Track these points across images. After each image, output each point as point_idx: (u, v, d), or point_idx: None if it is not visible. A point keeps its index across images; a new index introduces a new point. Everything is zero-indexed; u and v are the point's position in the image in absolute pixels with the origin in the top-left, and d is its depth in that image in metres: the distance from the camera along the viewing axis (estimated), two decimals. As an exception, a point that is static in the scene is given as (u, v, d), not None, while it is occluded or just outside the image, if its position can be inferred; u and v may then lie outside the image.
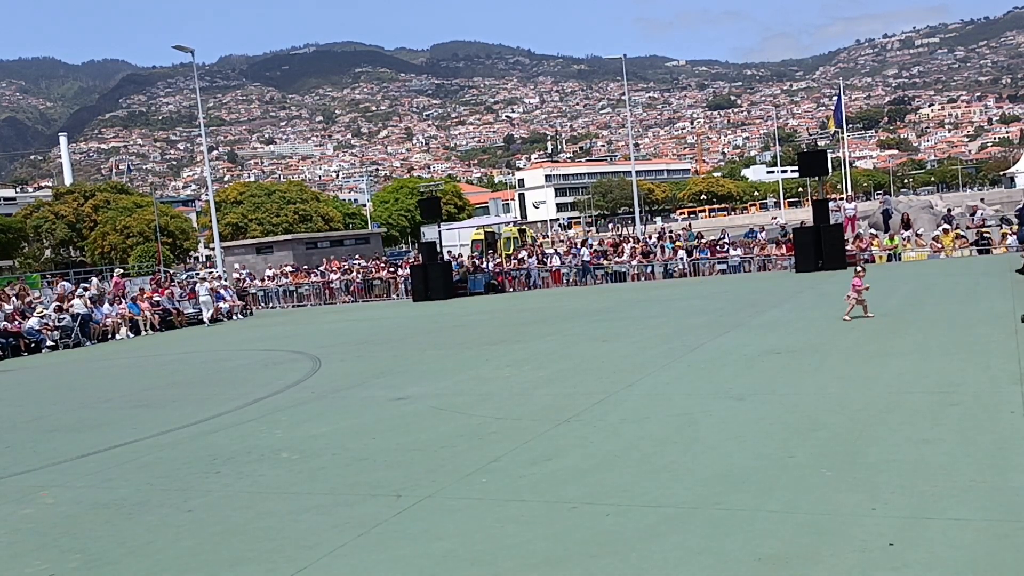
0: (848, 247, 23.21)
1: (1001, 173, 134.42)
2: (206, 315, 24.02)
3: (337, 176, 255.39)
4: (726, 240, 27.52)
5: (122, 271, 28.47)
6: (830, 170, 43.15)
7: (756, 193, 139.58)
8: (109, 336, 21.97)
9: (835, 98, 53.49)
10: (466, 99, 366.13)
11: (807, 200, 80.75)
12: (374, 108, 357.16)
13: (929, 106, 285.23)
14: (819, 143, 41.95)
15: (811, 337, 10.52)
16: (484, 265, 28.98)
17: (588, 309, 17.71)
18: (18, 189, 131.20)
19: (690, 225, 37.69)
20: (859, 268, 12.21)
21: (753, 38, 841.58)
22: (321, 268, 32.40)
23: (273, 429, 7.91)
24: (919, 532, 4.03)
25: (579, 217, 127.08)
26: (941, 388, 7.10)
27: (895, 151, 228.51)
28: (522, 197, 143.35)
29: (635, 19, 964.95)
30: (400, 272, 30.04)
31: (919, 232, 25.19)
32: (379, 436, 7.23)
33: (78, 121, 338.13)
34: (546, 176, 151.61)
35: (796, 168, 35.61)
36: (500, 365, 10.67)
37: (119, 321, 22.41)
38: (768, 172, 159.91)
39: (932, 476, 4.82)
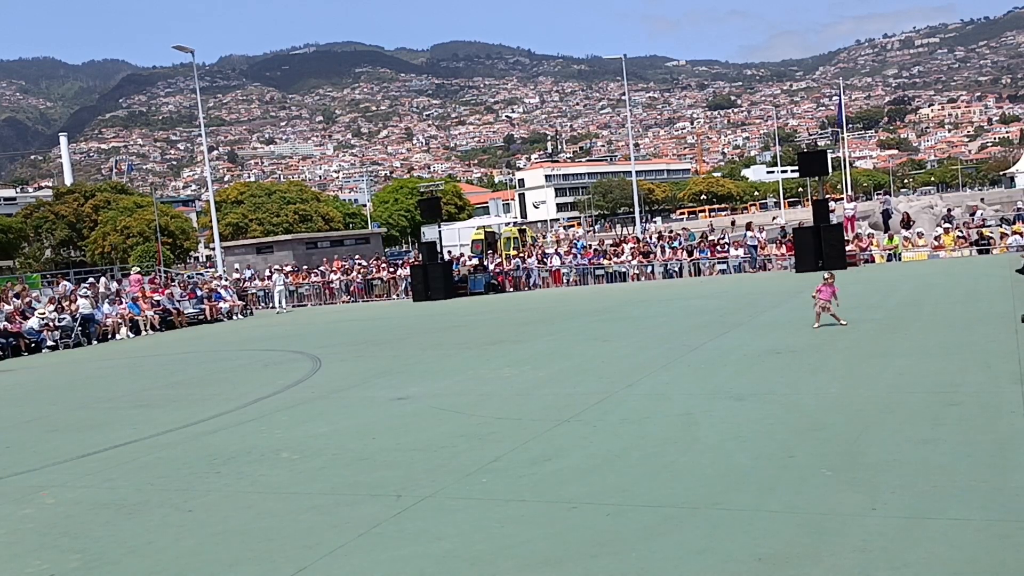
0: (848, 247, 23.22)
1: (1001, 173, 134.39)
2: (276, 303, 28.52)
3: (337, 176, 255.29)
4: (726, 240, 27.53)
5: (138, 270, 28.60)
6: (830, 170, 43.15)
7: (756, 193, 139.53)
8: (109, 336, 21.96)
9: (835, 98, 53.52)
10: (466, 99, 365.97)
11: (807, 200, 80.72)
12: (374, 108, 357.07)
13: (929, 106, 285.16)
14: (819, 143, 42.01)
15: (811, 337, 10.52)
16: (485, 264, 28.97)
17: (588, 309, 17.71)
18: (18, 189, 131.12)
19: (734, 222, 37.11)
20: (827, 275, 11.49)
21: (759, 36, 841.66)
22: (321, 268, 32.39)
23: (273, 429, 7.90)
24: (919, 532, 4.03)
25: (579, 217, 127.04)
26: (941, 388, 7.10)
27: (895, 151, 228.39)
28: (522, 197, 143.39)
29: (642, 16, 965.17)
30: (400, 272, 30.04)
31: (919, 232, 25.20)
32: (379, 436, 7.23)
33: (78, 121, 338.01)
34: (546, 176, 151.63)
35: (796, 168, 35.59)
36: (500, 365, 10.67)
37: (119, 321, 22.41)
38: (768, 172, 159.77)
39: (932, 476, 4.82)
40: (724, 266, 25.96)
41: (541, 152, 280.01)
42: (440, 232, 29.07)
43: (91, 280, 29.00)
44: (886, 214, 29.18)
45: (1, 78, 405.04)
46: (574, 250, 29.50)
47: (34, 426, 9.58)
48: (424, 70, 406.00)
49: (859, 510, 4.38)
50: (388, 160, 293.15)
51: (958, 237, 24.27)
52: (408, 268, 28.90)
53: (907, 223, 26.23)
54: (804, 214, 55.42)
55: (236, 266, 34.62)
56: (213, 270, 37.20)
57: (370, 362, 12.43)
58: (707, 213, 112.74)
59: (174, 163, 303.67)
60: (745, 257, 25.85)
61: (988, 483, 4.63)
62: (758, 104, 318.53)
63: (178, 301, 25.10)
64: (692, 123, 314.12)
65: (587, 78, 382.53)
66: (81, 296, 22.41)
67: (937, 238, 24.37)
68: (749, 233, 26.55)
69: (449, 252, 30.43)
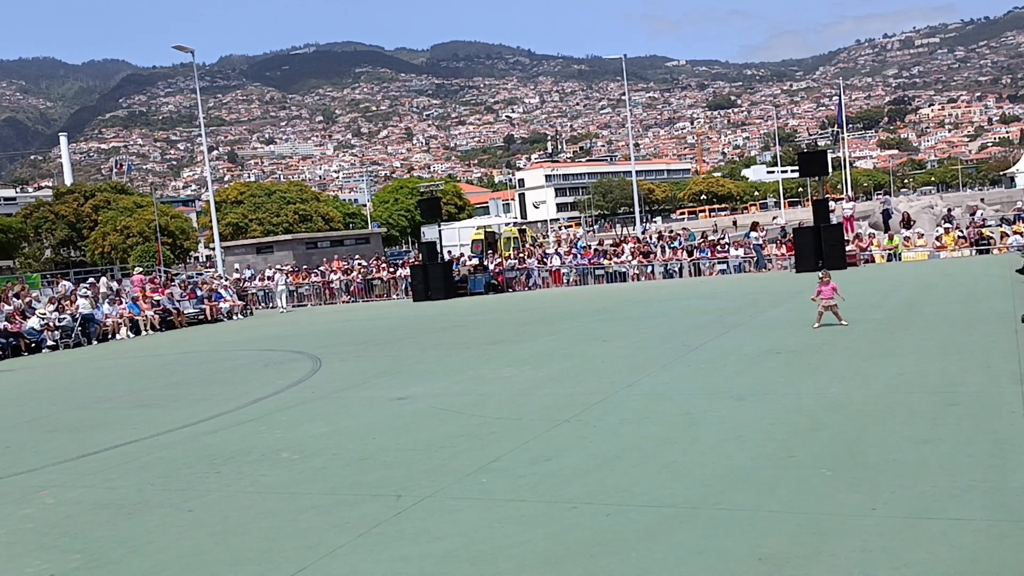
0: (848, 247, 23.21)
1: (1001, 173, 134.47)
2: (280, 302, 28.86)
3: (337, 176, 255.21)
4: (726, 240, 27.53)
5: (140, 270, 28.81)
6: (830, 170, 43.15)
7: (756, 193, 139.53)
8: (109, 336, 21.96)
9: (835, 98, 53.59)
10: (466, 99, 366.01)
11: (807, 200, 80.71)
12: (374, 108, 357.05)
13: (929, 106, 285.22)
14: (819, 143, 42.09)
15: (811, 337, 10.52)
16: (485, 264, 28.96)
17: (588, 309, 17.71)
18: (18, 189, 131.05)
19: (735, 223, 37.06)
20: (821, 275, 11.45)
21: (760, 36, 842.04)
22: (321, 268, 32.39)
23: (273, 429, 7.90)
24: (919, 532, 4.03)
25: (579, 217, 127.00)
26: (941, 388, 7.10)
27: (895, 151, 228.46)
28: (522, 197, 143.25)
29: (642, 16, 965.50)
30: (400, 272, 30.04)
31: (919, 232, 25.20)
32: (379, 436, 7.23)
33: (78, 121, 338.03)
34: (546, 176, 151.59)
35: (796, 168, 35.64)
36: (500, 365, 10.67)
37: (119, 321, 22.41)
38: (768, 172, 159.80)
39: (932, 476, 4.82)
40: (724, 266, 25.95)
41: (541, 152, 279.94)
42: (440, 232, 29.07)
43: (91, 280, 29.01)
44: (886, 214, 29.18)
45: (1, 78, 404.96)
46: (574, 250, 29.51)
47: (34, 426, 9.58)
48: (424, 70, 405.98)
49: (859, 510, 4.38)
50: (388, 160, 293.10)
51: (958, 237, 24.27)
52: (408, 268, 28.90)
53: (907, 223, 26.22)
54: (804, 214, 55.42)
55: (236, 266, 34.62)
56: (213, 270, 37.20)
57: (370, 362, 12.43)
58: (707, 213, 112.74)
59: (174, 163, 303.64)
60: (746, 257, 25.85)
61: (988, 483, 4.63)
62: (758, 104, 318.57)
63: (178, 301, 25.09)
64: (692, 123, 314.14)
65: (587, 78, 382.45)
66: (81, 296, 22.41)
67: (937, 238, 24.36)
68: (754, 233, 26.48)
69: (449, 252, 30.43)
